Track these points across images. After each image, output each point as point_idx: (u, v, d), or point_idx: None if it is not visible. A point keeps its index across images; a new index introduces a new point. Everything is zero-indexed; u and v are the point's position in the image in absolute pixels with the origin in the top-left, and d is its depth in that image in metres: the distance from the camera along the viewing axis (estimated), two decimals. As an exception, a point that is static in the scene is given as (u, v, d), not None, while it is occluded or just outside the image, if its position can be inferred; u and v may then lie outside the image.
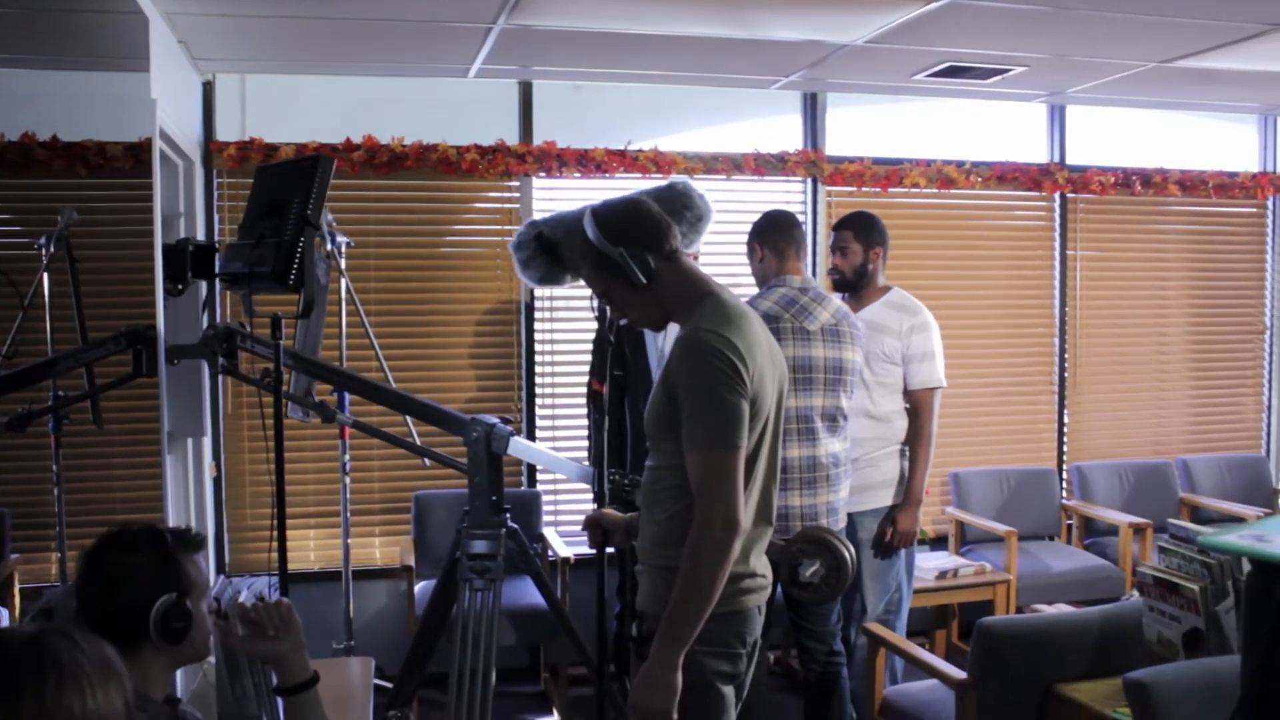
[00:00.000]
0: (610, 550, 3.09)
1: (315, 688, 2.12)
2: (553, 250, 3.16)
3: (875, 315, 4.25)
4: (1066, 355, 6.02)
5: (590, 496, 3.69)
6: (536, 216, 3.33)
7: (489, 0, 3.92)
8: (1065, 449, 6.06)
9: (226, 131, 5.00)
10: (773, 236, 3.94)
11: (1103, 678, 3.15)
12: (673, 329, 2.66)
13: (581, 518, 3.13)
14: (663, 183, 2.67)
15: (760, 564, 2.56)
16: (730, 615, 2.47)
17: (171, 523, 3.95)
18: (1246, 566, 2.82)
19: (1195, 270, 6.25)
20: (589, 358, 4.76)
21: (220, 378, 4.64)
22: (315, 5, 3.97)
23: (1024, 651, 3.22)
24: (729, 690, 2.52)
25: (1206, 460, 6.16)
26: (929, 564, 5.01)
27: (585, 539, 3.03)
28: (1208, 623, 3.04)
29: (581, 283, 3.36)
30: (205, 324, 4.08)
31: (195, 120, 4.84)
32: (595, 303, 3.00)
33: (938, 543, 5.71)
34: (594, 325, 4.39)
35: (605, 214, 2.53)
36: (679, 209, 2.62)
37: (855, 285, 4.32)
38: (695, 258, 4.20)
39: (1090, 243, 6.03)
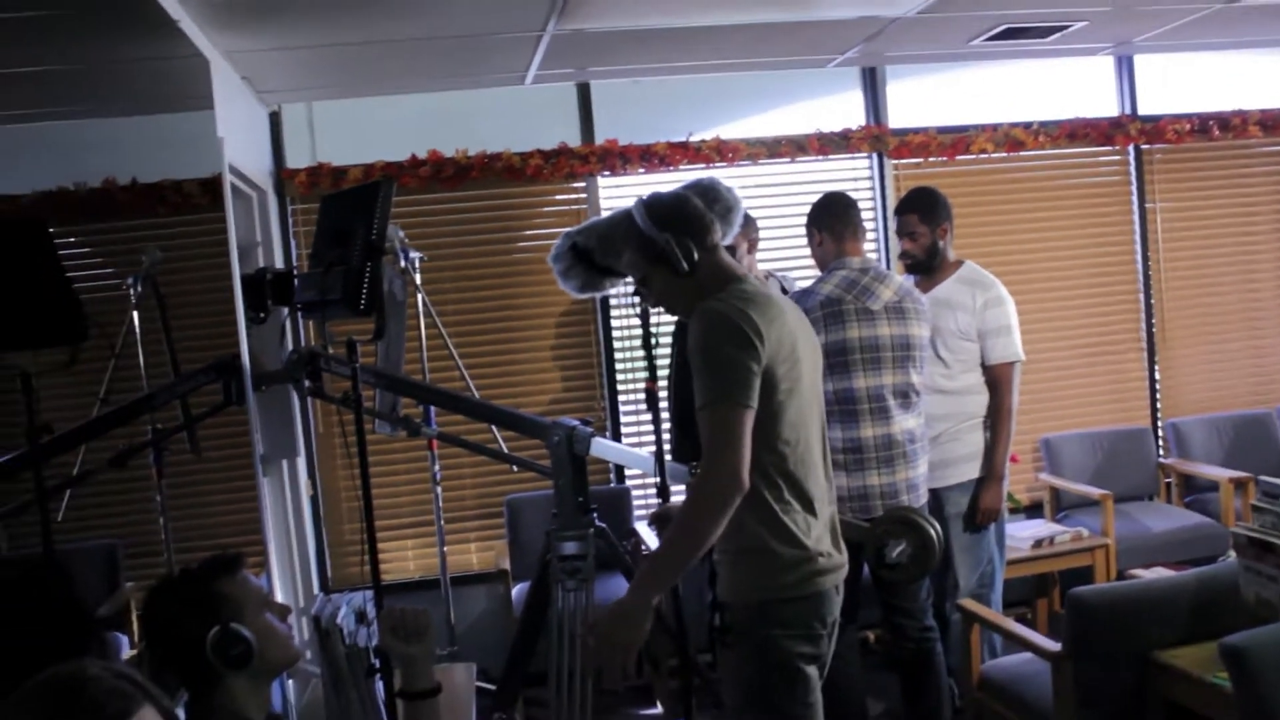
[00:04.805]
0: None
1: (436, 699, 2.20)
2: (588, 258, 3.21)
3: (948, 292, 4.19)
4: (1154, 310, 5.89)
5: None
6: (570, 228, 3.39)
7: (534, 9, 3.96)
8: (1159, 406, 5.92)
9: (297, 158, 5.13)
10: (829, 220, 3.93)
11: (1203, 641, 3.08)
12: None
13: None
14: (690, 180, 2.74)
15: (830, 543, 2.60)
16: (809, 598, 2.53)
17: (271, 543, 4.10)
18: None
19: (1284, 212, 6.06)
20: (667, 351, 4.72)
21: (309, 399, 4.76)
22: (365, 30, 4.05)
23: (1118, 620, 3.18)
24: (812, 670, 2.57)
25: (1310, 406, 5.98)
26: (1023, 533, 4.94)
27: None
28: (1306, 579, 2.98)
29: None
30: (289, 349, 4.20)
31: (265, 151, 4.97)
32: (638, 305, 3.04)
33: (1032, 510, 5.63)
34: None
35: (654, 203, 2.64)
36: (708, 203, 2.68)
37: (929, 265, 4.26)
38: (754, 245, 4.21)
39: (1170, 194, 5.87)
